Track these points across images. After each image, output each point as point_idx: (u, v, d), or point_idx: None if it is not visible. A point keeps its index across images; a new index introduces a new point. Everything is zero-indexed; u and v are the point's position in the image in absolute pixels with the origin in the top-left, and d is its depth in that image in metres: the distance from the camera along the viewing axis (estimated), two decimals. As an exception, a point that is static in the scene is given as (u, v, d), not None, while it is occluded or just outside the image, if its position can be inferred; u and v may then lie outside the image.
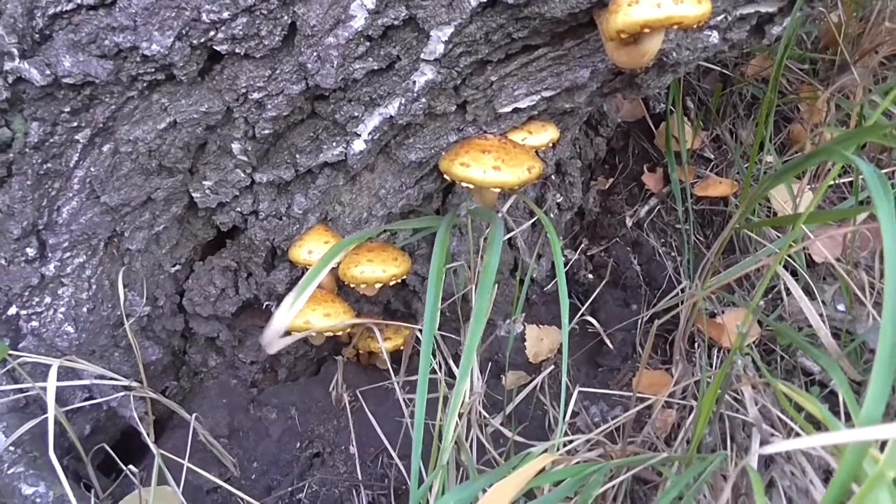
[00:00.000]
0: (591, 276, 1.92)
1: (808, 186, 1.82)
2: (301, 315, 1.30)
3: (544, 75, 1.27)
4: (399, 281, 1.38)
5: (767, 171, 1.89)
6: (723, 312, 1.65)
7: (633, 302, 1.86)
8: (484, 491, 0.90)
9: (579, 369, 1.73)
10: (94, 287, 1.39)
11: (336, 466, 1.47)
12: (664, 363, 1.69)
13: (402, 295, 1.63)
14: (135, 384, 1.33)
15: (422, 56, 1.17)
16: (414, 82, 1.21)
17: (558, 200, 1.80)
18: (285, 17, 1.13)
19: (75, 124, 1.22)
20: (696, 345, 1.61)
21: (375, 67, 1.19)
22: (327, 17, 1.11)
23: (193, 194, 1.38)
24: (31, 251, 1.30)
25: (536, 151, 1.36)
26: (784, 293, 1.69)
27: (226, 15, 1.10)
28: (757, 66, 2.11)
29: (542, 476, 0.99)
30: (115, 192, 1.31)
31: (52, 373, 1.14)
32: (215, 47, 1.15)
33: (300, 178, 1.38)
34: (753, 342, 1.62)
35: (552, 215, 1.81)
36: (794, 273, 1.61)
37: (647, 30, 0.99)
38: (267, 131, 1.26)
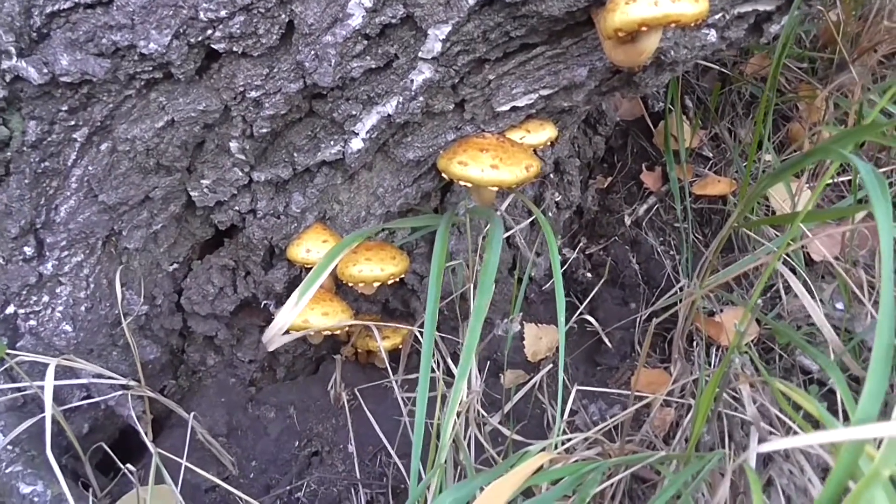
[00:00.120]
0: (589, 274, 1.92)
1: (807, 185, 1.83)
2: (300, 314, 1.30)
3: (542, 74, 1.27)
4: (397, 280, 1.38)
5: (766, 169, 1.89)
6: (721, 311, 1.65)
7: (632, 300, 1.86)
8: (481, 489, 0.90)
9: (578, 368, 1.74)
10: (91, 286, 1.39)
11: (334, 465, 1.47)
12: (663, 362, 1.69)
13: (401, 294, 1.63)
14: (133, 383, 1.33)
15: (419, 54, 1.17)
16: (412, 81, 1.21)
17: (557, 199, 1.80)
18: (283, 16, 1.12)
19: (73, 123, 1.22)
20: (694, 343, 1.61)
21: (373, 66, 1.19)
22: (325, 16, 1.11)
23: (191, 193, 1.37)
24: (28, 250, 1.30)
25: (535, 150, 1.36)
26: (783, 291, 1.69)
27: (223, 13, 1.10)
28: (756, 65, 2.11)
29: (540, 474, 0.99)
30: (113, 191, 1.31)
31: (50, 371, 1.14)
32: (213, 46, 1.15)
33: (298, 177, 1.38)
34: (752, 341, 1.62)
35: (551, 214, 1.81)
36: (792, 271, 1.61)
37: (644, 28, 0.99)
38: (265, 130, 1.26)
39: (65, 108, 1.19)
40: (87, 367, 1.29)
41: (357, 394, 1.53)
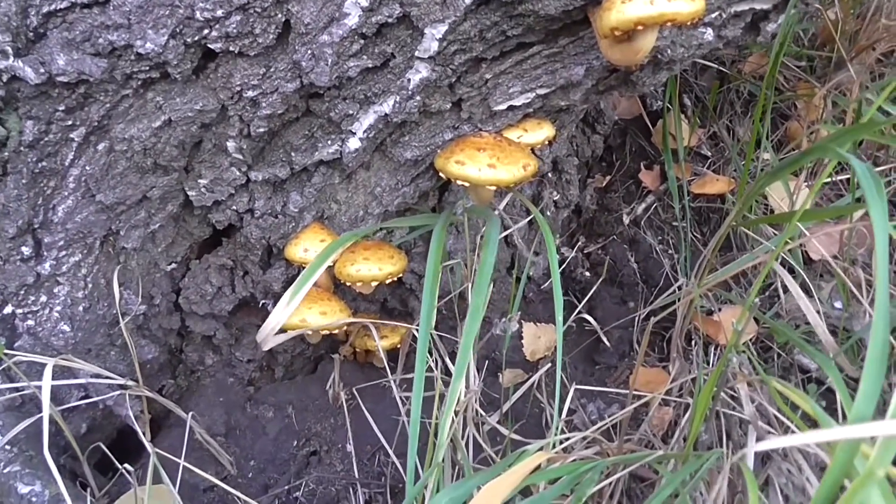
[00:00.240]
0: (587, 273, 1.91)
1: (806, 183, 1.82)
2: (297, 313, 1.31)
3: (539, 73, 1.27)
4: (395, 279, 1.38)
5: (764, 168, 1.89)
6: (719, 310, 1.65)
7: (630, 299, 1.86)
8: (479, 489, 0.90)
9: (576, 367, 1.74)
10: (89, 286, 1.39)
11: (333, 465, 1.47)
12: (661, 361, 1.69)
13: (399, 293, 1.63)
14: (131, 383, 1.33)
15: (416, 54, 1.17)
16: (409, 80, 1.21)
17: (555, 198, 1.80)
18: (279, 15, 1.12)
19: (70, 123, 1.22)
20: (692, 342, 1.61)
21: (370, 65, 1.19)
22: (321, 15, 1.11)
23: (189, 192, 1.37)
24: (26, 250, 1.30)
25: (532, 149, 1.36)
26: (781, 290, 1.69)
27: (220, 13, 1.10)
28: (754, 64, 2.10)
29: (538, 474, 1.00)
30: (111, 191, 1.31)
31: (48, 371, 1.14)
32: (209, 45, 1.15)
33: (296, 177, 1.38)
34: (750, 339, 1.62)
35: (549, 213, 1.81)
36: (790, 270, 1.61)
37: (640, 27, 0.99)
38: (262, 129, 1.26)
39: (62, 107, 1.19)
40: (85, 366, 1.29)
41: (355, 393, 1.53)
